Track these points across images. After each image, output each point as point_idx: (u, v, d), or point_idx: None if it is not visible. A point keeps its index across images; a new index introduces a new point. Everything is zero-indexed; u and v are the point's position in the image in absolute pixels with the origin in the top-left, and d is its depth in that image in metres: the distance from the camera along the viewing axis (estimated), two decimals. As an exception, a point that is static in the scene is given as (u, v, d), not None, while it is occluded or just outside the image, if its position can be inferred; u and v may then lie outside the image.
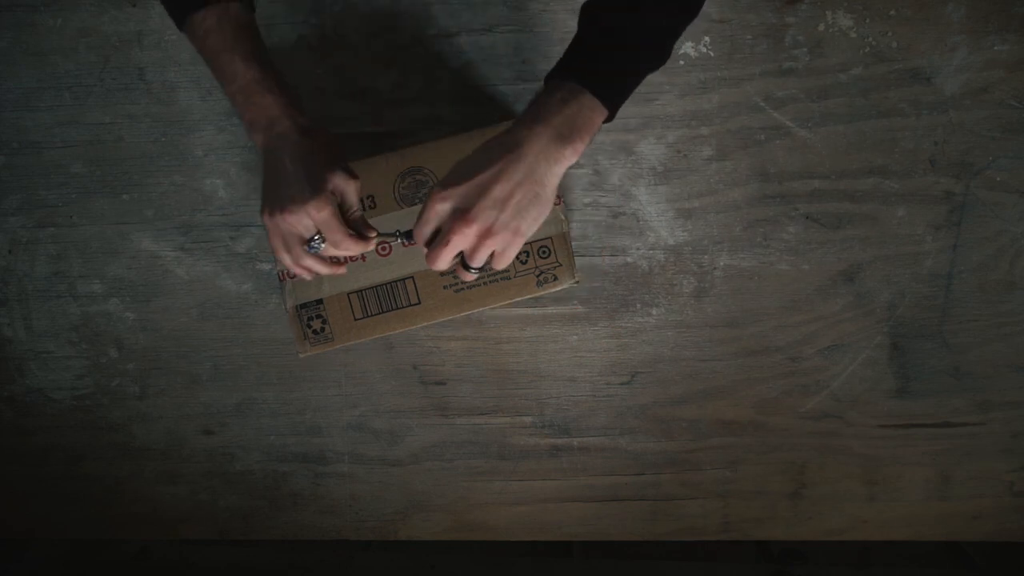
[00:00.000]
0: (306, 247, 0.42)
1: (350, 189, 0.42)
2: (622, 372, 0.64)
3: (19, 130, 0.60)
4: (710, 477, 0.66)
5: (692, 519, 0.68)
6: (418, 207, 0.52)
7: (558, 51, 0.58)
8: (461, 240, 0.38)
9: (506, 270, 0.52)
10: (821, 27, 0.57)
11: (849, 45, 0.57)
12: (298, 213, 0.40)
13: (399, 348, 0.64)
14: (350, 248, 0.42)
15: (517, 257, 0.52)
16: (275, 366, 0.64)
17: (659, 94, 0.59)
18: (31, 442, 0.67)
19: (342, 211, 0.42)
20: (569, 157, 0.38)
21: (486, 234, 0.38)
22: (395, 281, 0.53)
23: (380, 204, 0.53)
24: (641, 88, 0.60)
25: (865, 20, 0.56)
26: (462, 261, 0.41)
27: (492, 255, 0.39)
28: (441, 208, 0.38)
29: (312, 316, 0.53)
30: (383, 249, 0.52)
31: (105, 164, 0.61)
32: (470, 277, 0.42)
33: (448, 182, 0.37)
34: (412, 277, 0.53)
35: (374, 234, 0.44)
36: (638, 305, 0.63)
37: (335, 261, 0.45)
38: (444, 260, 0.39)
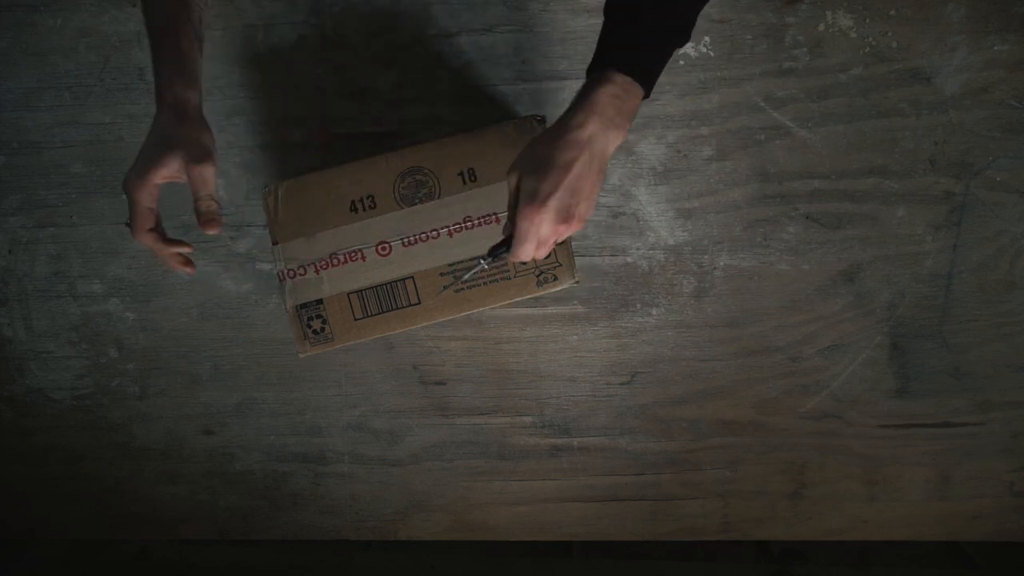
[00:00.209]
0: (125, 224, 0.44)
1: (196, 175, 0.42)
2: (622, 372, 0.65)
3: (19, 130, 0.60)
4: (710, 477, 0.67)
5: (692, 519, 0.68)
6: (418, 208, 0.52)
7: (558, 51, 0.59)
8: (556, 238, 0.41)
9: (506, 269, 0.52)
10: (821, 27, 0.57)
11: (849, 45, 0.57)
12: (124, 188, 0.42)
13: (399, 348, 0.64)
14: (140, 239, 0.43)
15: None
16: (275, 366, 0.65)
17: (659, 94, 0.59)
18: (31, 442, 0.67)
19: (195, 195, 0.42)
20: (619, 140, 0.41)
21: (568, 225, 0.40)
22: (395, 281, 0.53)
23: (380, 204, 0.53)
24: None
25: (865, 20, 0.56)
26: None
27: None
28: (542, 222, 0.40)
29: (312, 316, 0.53)
30: (383, 249, 0.53)
31: (105, 164, 0.61)
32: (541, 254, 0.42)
33: (536, 193, 0.39)
34: (412, 277, 0.53)
35: (186, 249, 0.45)
36: (638, 305, 0.63)
37: (183, 259, 0.45)
38: (530, 254, 0.41)
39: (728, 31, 0.57)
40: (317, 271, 0.52)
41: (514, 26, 0.57)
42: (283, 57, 0.58)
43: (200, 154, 0.42)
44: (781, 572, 0.74)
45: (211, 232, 0.43)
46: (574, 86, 0.59)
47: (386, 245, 0.53)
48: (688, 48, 0.57)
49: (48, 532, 0.70)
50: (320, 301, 0.53)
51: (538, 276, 0.53)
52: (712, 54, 0.58)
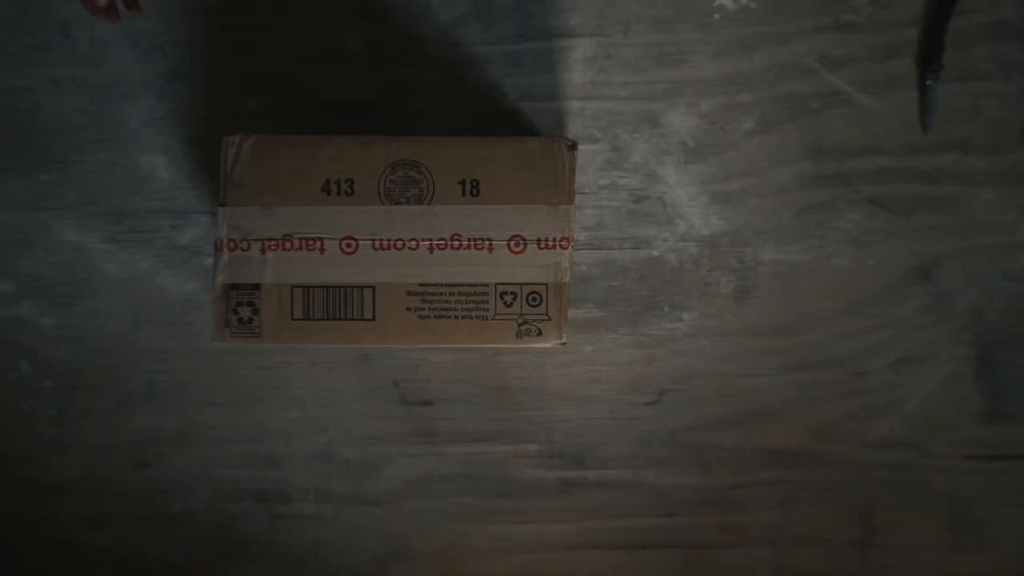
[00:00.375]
0: None
1: None
2: (647, 390, 0.60)
3: (-82, 97, 0.58)
4: (756, 520, 0.62)
5: (735, 571, 0.63)
6: (403, 208, 0.49)
7: (568, 2, 0.56)
8: None
9: (484, 308, 0.49)
10: (886, -29, 0.55)
11: (920, -7, 0.55)
12: None
13: (376, 360, 0.60)
14: None
15: (501, 298, 0.50)
16: (225, 383, 0.61)
17: (690, 54, 0.56)
18: (-74, 477, 0.64)
19: None
20: None
21: None
22: (352, 287, 0.49)
23: (359, 192, 0.49)
24: (668, 47, 0.57)
25: (939, -38, 0.55)
26: None
27: None
28: None
29: (242, 302, 0.49)
30: (348, 245, 0.49)
31: (19, 138, 0.57)
32: None
33: None
34: (374, 287, 0.49)
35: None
36: (666, 308, 0.59)
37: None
38: None
39: (774, -24, 0.55)
40: (263, 250, 0.49)
41: (516, -29, 0.55)
42: (237, 10, 0.55)
43: None
44: (843, 638, 0.69)
45: (132, 13, 0.36)
46: (587, 45, 0.57)
47: (353, 242, 0.50)
48: (726, -3, 0.56)
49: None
50: (257, 287, 0.49)
51: (520, 325, 0.50)
52: (754, 5, 0.55)
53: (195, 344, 0.59)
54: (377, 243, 0.50)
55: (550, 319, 0.50)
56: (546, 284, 0.50)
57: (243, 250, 0.49)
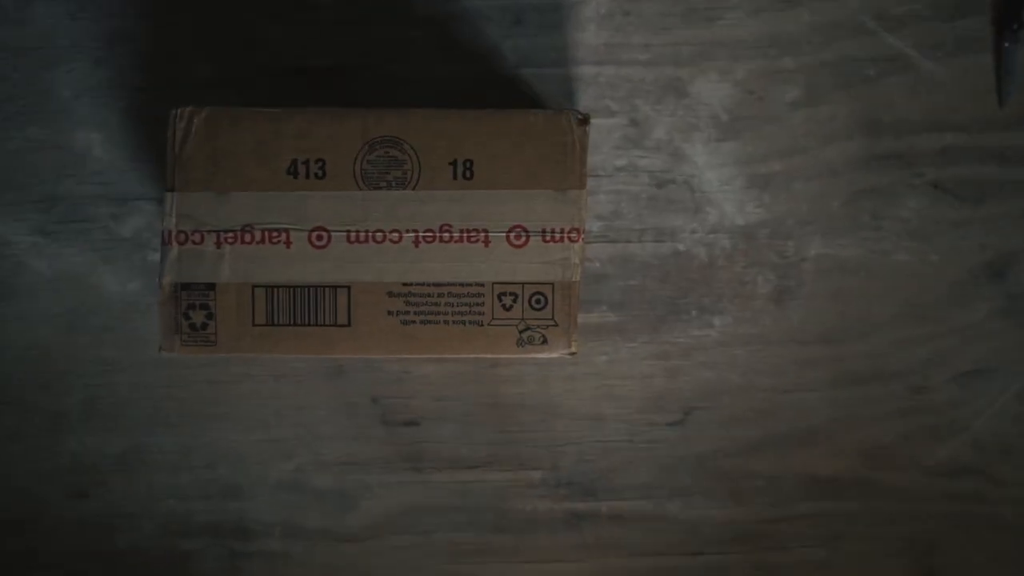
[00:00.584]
0: None
1: None
2: (671, 408, 0.58)
3: None
4: (799, 558, 0.59)
5: None
6: (383, 193, 0.47)
7: None
8: None
9: (478, 312, 0.48)
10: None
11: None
12: None
13: (352, 373, 0.58)
14: None
15: (499, 300, 0.48)
16: (175, 399, 0.58)
17: (724, 10, 0.54)
18: None
19: None
20: None
21: None
22: (324, 286, 0.47)
23: (331, 175, 0.47)
24: (698, 2, 0.55)
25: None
26: None
27: None
28: None
29: (195, 304, 0.47)
30: (319, 238, 0.47)
31: None
32: None
33: None
34: (349, 287, 0.47)
35: None
36: (693, 312, 0.57)
37: None
38: None
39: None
40: (219, 243, 0.46)
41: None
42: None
43: None
44: None
45: None
46: (602, -4, 0.57)
47: (324, 234, 0.47)
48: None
49: None
50: (212, 287, 0.47)
51: (521, 332, 0.48)
52: (801, -48, 0.55)
53: (140, 354, 0.57)
54: (353, 235, 0.49)
55: (557, 325, 0.49)
56: (552, 284, 0.49)
57: (195, 243, 0.47)
